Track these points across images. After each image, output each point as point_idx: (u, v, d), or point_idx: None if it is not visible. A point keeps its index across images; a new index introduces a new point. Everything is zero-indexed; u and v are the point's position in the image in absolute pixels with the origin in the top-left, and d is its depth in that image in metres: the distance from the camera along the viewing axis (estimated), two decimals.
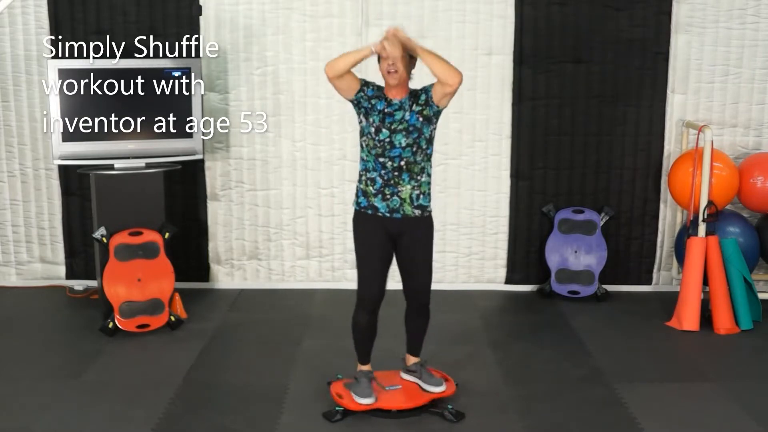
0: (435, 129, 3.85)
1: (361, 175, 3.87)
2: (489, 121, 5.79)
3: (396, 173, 3.77)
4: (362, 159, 3.86)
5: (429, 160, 3.86)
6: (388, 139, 3.74)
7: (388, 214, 3.81)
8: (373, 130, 3.76)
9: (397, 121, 3.74)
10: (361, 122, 3.83)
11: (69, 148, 5.08)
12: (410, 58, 3.76)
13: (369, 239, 3.85)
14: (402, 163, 3.76)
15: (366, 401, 3.90)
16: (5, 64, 5.72)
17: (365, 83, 3.80)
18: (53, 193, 5.87)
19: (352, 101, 3.81)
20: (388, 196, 3.79)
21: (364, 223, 3.86)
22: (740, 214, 5.64)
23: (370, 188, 3.81)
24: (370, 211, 3.82)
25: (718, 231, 5.28)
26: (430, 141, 3.82)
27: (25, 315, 5.44)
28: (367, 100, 3.78)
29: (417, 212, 3.83)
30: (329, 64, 3.72)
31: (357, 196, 3.88)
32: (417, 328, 4.05)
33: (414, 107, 3.77)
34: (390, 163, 3.76)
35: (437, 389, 3.97)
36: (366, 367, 4.04)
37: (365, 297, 3.88)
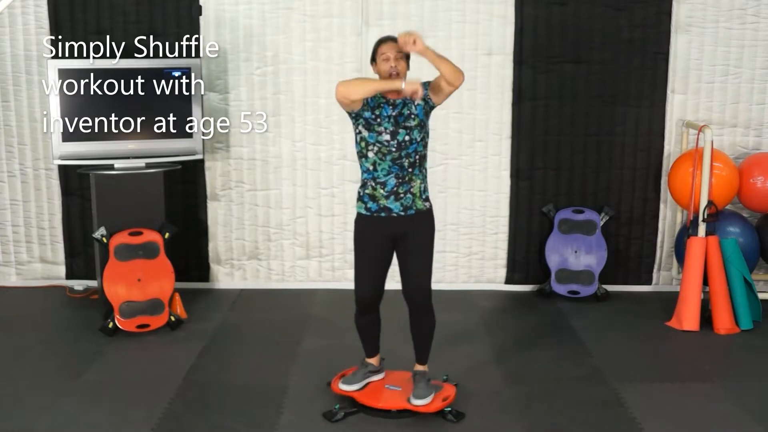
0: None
1: (366, 182, 3.83)
2: (489, 121, 5.79)
3: (410, 169, 3.79)
4: (367, 169, 3.80)
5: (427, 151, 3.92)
6: (407, 138, 3.74)
7: (402, 213, 3.80)
8: (388, 136, 3.73)
9: (406, 117, 3.75)
10: (360, 132, 3.79)
11: (69, 148, 5.08)
12: (406, 58, 3.78)
13: (369, 243, 3.87)
14: (417, 157, 3.79)
15: (345, 387, 4.04)
16: (5, 64, 5.72)
17: None
18: (53, 193, 5.87)
19: (350, 113, 3.79)
20: (402, 195, 3.79)
21: (368, 227, 3.86)
22: (740, 214, 5.64)
23: (380, 191, 3.79)
24: (383, 214, 3.81)
25: (718, 231, 5.28)
26: (428, 133, 3.88)
27: (25, 315, 5.44)
28: (371, 110, 3.76)
29: (426, 204, 3.87)
30: (345, 88, 3.64)
31: (364, 201, 3.85)
32: (419, 332, 4.01)
33: (417, 102, 3.78)
34: (407, 161, 3.77)
35: (417, 402, 3.88)
36: (370, 360, 4.11)
37: (358, 298, 3.95)
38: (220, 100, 5.74)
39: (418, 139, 3.78)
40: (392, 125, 3.74)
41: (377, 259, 3.89)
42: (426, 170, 3.89)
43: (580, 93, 5.75)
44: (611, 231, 5.86)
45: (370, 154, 3.79)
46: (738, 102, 5.76)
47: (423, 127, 3.80)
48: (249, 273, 6.00)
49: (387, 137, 3.74)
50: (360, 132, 3.80)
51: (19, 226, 5.95)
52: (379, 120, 3.75)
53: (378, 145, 3.75)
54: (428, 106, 3.81)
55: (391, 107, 3.76)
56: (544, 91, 5.74)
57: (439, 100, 3.79)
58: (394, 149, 3.74)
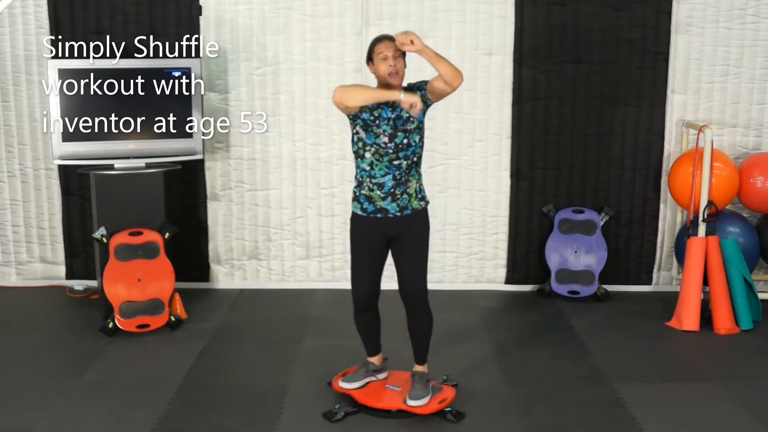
0: None
1: (361, 182, 3.83)
2: (489, 121, 5.79)
3: (408, 171, 3.80)
4: (364, 168, 3.81)
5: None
6: (405, 141, 3.75)
7: (399, 213, 3.81)
8: (386, 138, 3.73)
9: (405, 120, 3.75)
10: (357, 133, 3.79)
11: (69, 148, 5.08)
12: (402, 56, 3.76)
13: (364, 243, 3.89)
14: (415, 159, 3.81)
15: (345, 385, 4.08)
16: (5, 64, 5.72)
17: None
18: (53, 193, 5.87)
19: (349, 115, 3.79)
20: (399, 196, 3.80)
21: (364, 227, 3.88)
22: (740, 214, 5.64)
23: (377, 193, 3.79)
24: (380, 215, 3.81)
25: (718, 231, 5.28)
26: (424, 132, 3.88)
27: (25, 315, 5.44)
28: (369, 112, 3.75)
29: (422, 204, 3.88)
30: (343, 94, 3.62)
31: (360, 202, 3.85)
32: (417, 332, 4.01)
33: (414, 115, 3.75)
34: (405, 162, 3.78)
35: (412, 402, 3.88)
36: (372, 359, 4.14)
37: (354, 295, 3.98)
38: (220, 100, 5.74)
39: (417, 142, 3.79)
40: (391, 128, 3.74)
41: (372, 258, 3.91)
42: (421, 170, 3.90)
43: (580, 93, 5.75)
44: (611, 231, 5.86)
45: (367, 155, 3.79)
46: (738, 102, 5.76)
47: (421, 129, 3.81)
48: (249, 273, 6.00)
49: (385, 139, 3.74)
50: (357, 132, 3.80)
51: (19, 226, 5.95)
52: (378, 122, 3.75)
53: (375, 146, 3.75)
54: (426, 107, 3.81)
55: (390, 109, 3.76)
56: (544, 91, 5.74)
57: (435, 99, 3.79)
58: (391, 151, 3.75)
